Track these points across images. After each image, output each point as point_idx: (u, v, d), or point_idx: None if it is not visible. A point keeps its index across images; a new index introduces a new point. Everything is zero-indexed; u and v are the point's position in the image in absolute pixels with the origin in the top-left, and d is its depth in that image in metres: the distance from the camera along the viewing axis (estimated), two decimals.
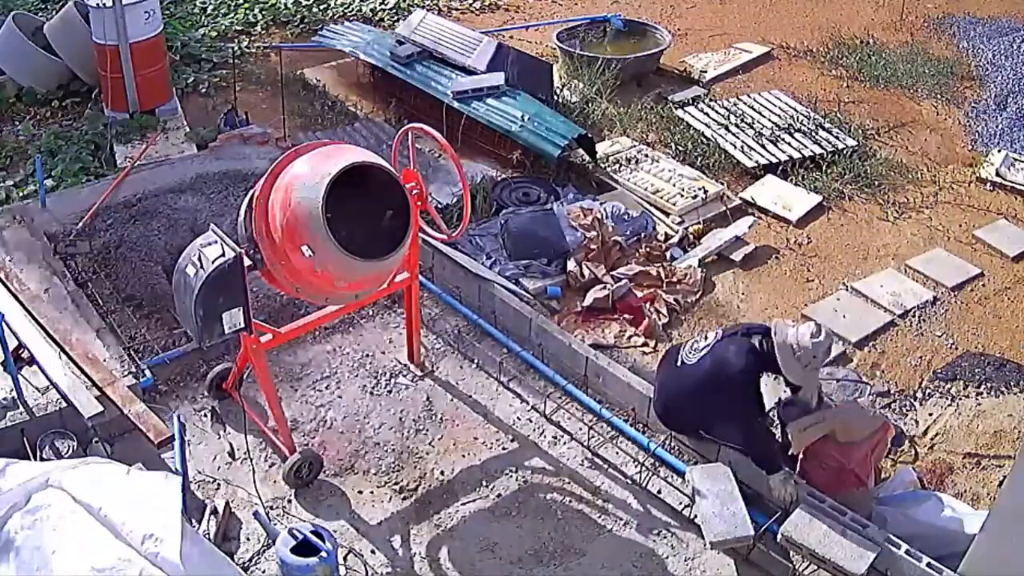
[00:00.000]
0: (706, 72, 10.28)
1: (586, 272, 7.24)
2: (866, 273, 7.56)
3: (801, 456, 5.56)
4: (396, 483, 5.79)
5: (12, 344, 5.79)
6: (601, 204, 7.85)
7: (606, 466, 5.94)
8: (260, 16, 10.96)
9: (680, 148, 8.89)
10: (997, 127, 9.47)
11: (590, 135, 8.54)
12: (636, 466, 5.89)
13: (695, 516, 5.48)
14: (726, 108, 9.42)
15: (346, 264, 5.09)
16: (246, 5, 11.08)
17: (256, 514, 5.39)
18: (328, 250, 5.00)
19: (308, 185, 5.02)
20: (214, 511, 5.42)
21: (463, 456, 5.97)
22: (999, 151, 8.99)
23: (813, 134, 9.03)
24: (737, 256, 7.62)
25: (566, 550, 5.45)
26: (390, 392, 6.37)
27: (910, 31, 11.46)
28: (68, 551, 4.36)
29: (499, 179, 8.30)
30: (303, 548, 4.87)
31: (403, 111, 9.10)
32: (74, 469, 4.80)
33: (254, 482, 5.64)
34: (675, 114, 9.37)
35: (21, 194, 7.86)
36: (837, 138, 9.00)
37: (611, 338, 6.82)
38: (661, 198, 8.09)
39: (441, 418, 6.21)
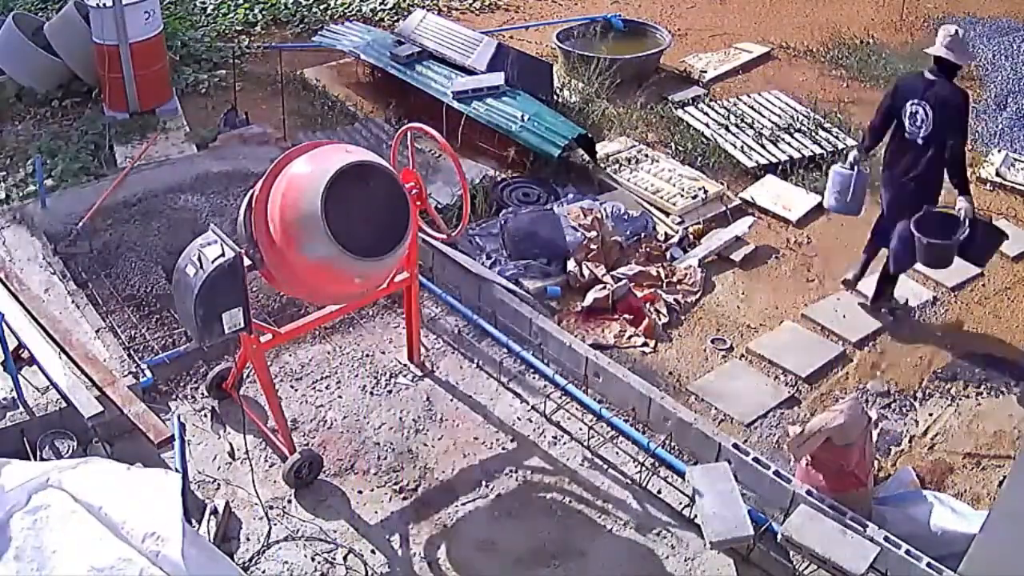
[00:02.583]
0: (706, 72, 10.28)
1: (586, 272, 7.24)
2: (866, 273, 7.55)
3: (803, 462, 5.58)
4: (396, 483, 5.79)
5: (12, 344, 5.80)
6: (601, 204, 7.85)
7: (606, 466, 5.94)
8: (260, 16, 10.97)
9: (680, 148, 8.90)
10: (997, 127, 9.47)
11: (590, 135, 8.55)
12: (636, 466, 5.89)
13: (695, 516, 5.49)
14: (726, 108, 9.43)
15: (345, 263, 5.09)
16: (246, 5, 11.08)
17: None
18: (327, 249, 5.01)
19: (308, 185, 5.03)
20: (214, 511, 5.42)
21: (463, 456, 5.97)
22: (999, 151, 8.99)
23: (813, 134, 9.04)
24: (737, 256, 7.62)
25: (566, 550, 5.45)
26: (390, 392, 6.38)
27: (910, 31, 11.46)
28: (68, 551, 4.36)
29: (499, 179, 8.30)
30: None
31: (403, 111, 9.10)
32: (74, 469, 4.80)
33: (254, 482, 5.64)
34: (675, 114, 9.38)
35: (21, 194, 7.87)
36: (837, 138, 9.00)
37: (611, 338, 6.82)
38: (661, 198, 8.10)
39: (441, 418, 6.21)
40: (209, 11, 11.02)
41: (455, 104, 8.57)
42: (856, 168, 6.76)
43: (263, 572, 5.27)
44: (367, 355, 6.64)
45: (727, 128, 9.08)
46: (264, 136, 8.50)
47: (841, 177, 6.79)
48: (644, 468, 5.86)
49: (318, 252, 5.06)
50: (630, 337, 6.84)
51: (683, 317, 7.10)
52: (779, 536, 5.30)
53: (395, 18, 11.08)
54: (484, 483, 5.81)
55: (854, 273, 7.13)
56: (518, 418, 6.24)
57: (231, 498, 5.61)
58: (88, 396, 5.56)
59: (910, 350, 6.83)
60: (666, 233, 7.82)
